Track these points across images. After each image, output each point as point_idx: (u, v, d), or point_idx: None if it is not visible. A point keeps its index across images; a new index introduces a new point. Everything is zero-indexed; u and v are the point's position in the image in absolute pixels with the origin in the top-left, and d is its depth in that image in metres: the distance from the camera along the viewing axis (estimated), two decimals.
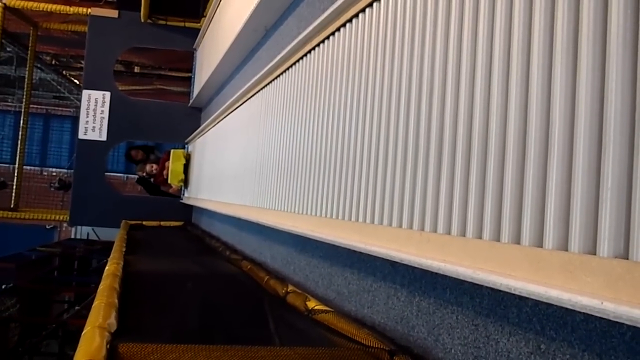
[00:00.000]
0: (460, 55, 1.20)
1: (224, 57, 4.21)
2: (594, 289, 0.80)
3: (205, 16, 5.77)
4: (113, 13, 6.22)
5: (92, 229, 10.99)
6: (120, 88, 7.08)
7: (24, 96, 6.73)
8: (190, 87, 6.90)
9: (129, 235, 4.51)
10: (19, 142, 6.62)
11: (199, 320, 1.87)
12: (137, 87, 9.67)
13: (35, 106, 12.19)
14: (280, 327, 1.73)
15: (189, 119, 6.38)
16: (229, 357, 1.26)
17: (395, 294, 1.51)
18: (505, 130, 1.04)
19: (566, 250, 0.88)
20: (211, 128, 4.72)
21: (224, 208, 3.71)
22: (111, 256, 2.99)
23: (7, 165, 12.62)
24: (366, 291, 1.69)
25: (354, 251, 1.66)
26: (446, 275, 1.14)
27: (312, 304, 1.87)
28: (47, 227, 13.04)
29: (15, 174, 6.48)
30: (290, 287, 2.18)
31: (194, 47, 6.39)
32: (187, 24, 6.30)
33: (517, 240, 0.98)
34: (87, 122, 6.08)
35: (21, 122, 6.62)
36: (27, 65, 6.79)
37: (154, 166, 6.52)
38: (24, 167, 6.72)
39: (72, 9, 6.02)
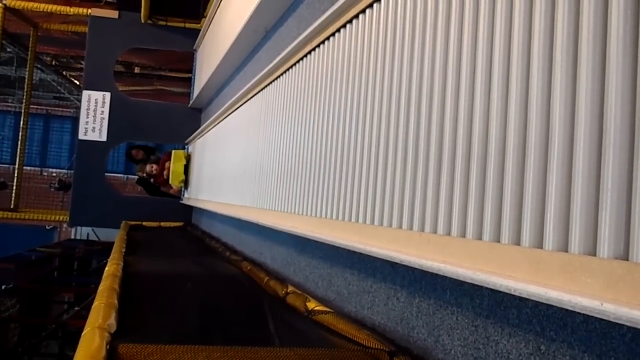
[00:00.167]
0: (460, 57, 1.20)
1: (224, 57, 4.21)
2: (594, 290, 0.80)
3: (205, 17, 5.77)
4: (113, 14, 6.22)
5: (92, 230, 10.99)
6: (120, 89, 7.09)
7: (24, 97, 6.73)
8: (190, 88, 6.90)
9: (128, 235, 4.51)
10: (19, 142, 6.62)
11: (199, 321, 1.87)
12: (137, 88, 9.68)
13: (36, 107, 12.19)
14: (280, 328, 1.73)
15: (189, 119, 6.38)
16: (229, 357, 1.26)
17: (395, 295, 1.51)
18: (505, 131, 1.04)
19: (566, 251, 0.88)
20: (211, 129, 4.72)
21: (224, 209, 3.71)
22: (111, 257, 2.99)
23: (7, 165, 12.61)
24: (366, 292, 1.69)
25: (354, 252, 1.66)
26: (446, 277, 1.14)
27: (312, 304, 1.87)
28: (47, 227, 13.04)
29: (15, 175, 6.48)
30: (290, 288, 2.18)
31: (194, 47, 6.39)
32: (187, 25, 6.30)
33: (517, 241, 0.98)
34: (87, 122, 6.08)
35: (21, 122, 6.62)
36: (28, 66, 6.79)
37: (154, 166, 6.52)
38: (24, 167, 6.72)
39: (73, 10, 6.02)
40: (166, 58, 8.15)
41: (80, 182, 6.10)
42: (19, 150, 6.60)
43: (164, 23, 6.29)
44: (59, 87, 11.25)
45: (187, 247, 4.44)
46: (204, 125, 5.21)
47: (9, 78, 9.91)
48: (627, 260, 0.78)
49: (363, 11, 1.70)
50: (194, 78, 6.57)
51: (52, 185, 10.31)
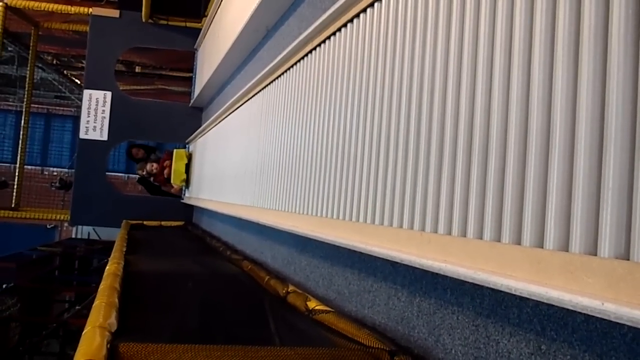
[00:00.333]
0: (461, 55, 1.19)
1: (225, 57, 4.21)
2: (595, 289, 0.80)
3: (206, 16, 5.77)
4: (114, 13, 6.22)
5: (93, 229, 10.99)
6: (121, 88, 7.09)
7: (25, 96, 6.74)
8: (191, 87, 6.90)
9: (129, 235, 4.51)
10: (20, 141, 6.63)
11: (200, 320, 1.87)
12: (138, 87, 9.68)
13: (37, 106, 12.20)
14: (281, 327, 1.73)
15: (189, 118, 6.38)
16: (229, 357, 1.26)
17: (396, 294, 1.51)
18: (506, 130, 1.04)
19: (567, 250, 0.88)
20: (212, 128, 4.72)
21: (224, 208, 3.71)
22: (112, 256, 2.99)
23: (8, 164, 12.64)
24: (367, 291, 1.69)
25: (355, 251, 1.66)
26: (447, 276, 1.14)
27: (312, 304, 1.87)
28: (48, 226, 13.05)
29: (16, 174, 6.49)
30: (291, 287, 2.18)
31: (195, 47, 6.40)
32: (188, 24, 6.30)
33: (518, 240, 0.98)
34: (88, 121, 6.09)
35: (22, 121, 6.63)
36: (29, 65, 6.80)
37: (154, 165, 6.52)
38: (25, 166, 6.73)
39: (74, 9, 6.02)
40: (167, 57, 8.15)
41: (81, 181, 6.10)
42: (20, 149, 6.61)
43: (165, 22, 6.30)
44: (60, 86, 11.26)
45: (188, 247, 4.44)
46: (204, 125, 5.21)
47: (10, 77, 9.93)
48: (628, 259, 0.78)
49: (364, 10, 1.70)
50: (195, 77, 6.57)
51: (53, 184, 10.31)
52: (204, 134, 5.21)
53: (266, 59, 3.30)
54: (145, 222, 5.85)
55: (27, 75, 6.82)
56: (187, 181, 6.03)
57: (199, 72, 6.28)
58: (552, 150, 0.93)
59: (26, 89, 6.75)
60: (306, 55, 2.21)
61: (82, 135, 6.11)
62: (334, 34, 1.93)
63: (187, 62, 6.97)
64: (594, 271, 0.81)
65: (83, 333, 1.36)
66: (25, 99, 6.72)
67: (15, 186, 6.43)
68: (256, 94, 3.07)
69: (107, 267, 2.50)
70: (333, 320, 1.63)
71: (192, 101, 6.45)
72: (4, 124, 13.57)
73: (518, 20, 1.03)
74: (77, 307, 6.41)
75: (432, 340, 1.33)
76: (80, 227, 11.87)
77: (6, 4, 5.96)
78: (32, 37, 6.66)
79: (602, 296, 0.78)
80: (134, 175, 6.95)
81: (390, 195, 1.44)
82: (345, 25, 1.83)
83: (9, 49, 7.78)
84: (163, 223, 6.05)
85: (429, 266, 1.16)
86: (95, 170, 6.13)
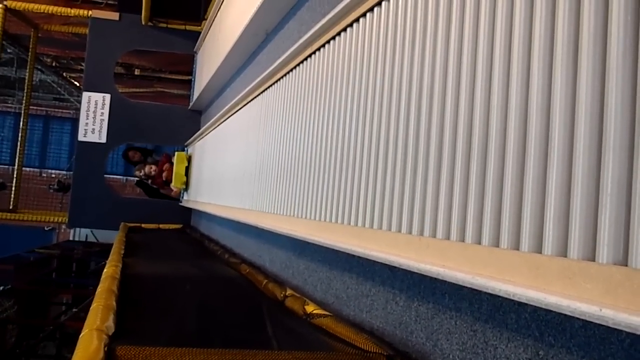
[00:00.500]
0: (460, 62, 1.20)
1: (224, 60, 4.21)
2: (593, 295, 0.80)
3: (206, 19, 5.78)
4: (114, 15, 6.22)
5: (91, 231, 11.00)
6: (120, 90, 7.09)
7: (24, 97, 6.73)
8: (190, 90, 6.90)
9: (127, 237, 4.50)
10: (19, 143, 6.62)
11: (197, 324, 1.86)
12: (137, 90, 9.68)
13: (35, 108, 12.18)
14: (279, 331, 1.72)
15: (188, 121, 6.38)
16: None
17: (394, 298, 1.51)
18: (504, 135, 1.04)
19: (565, 256, 0.88)
20: (211, 131, 4.72)
21: (223, 211, 3.71)
22: (110, 258, 2.98)
23: (6, 166, 12.61)
24: (365, 296, 1.68)
25: (353, 255, 1.66)
26: (445, 281, 1.13)
27: (310, 308, 1.87)
28: (46, 228, 13.03)
29: (15, 175, 6.48)
30: (289, 291, 2.18)
31: (194, 50, 6.40)
32: (188, 27, 6.31)
33: (517, 246, 0.98)
34: (86, 124, 6.08)
35: (21, 123, 6.62)
36: (28, 67, 6.79)
37: (153, 167, 6.51)
38: (23, 168, 6.72)
39: (73, 11, 6.02)
40: (166, 60, 8.16)
41: (79, 183, 6.10)
42: (18, 151, 6.60)
43: (164, 25, 6.30)
44: (59, 89, 11.25)
45: (186, 250, 4.44)
46: (203, 128, 5.21)
47: (9, 79, 9.92)
48: (626, 265, 0.78)
49: (364, 15, 1.70)
50: (194, 80, 6.57)
51: (51, 186, 10.29)
52: (203, 137, 5.20)
53: (265, 62, 3.31)
54: (143, 225, 5.84)
55: (26, 77, 6.81)
56: (187, 184, 6.02)
57: (198, 75, 6.29)
58: (550, 155, 0.93)
59: (25, 90, 6.74)
60: (305, 59, 2.21)
61: (80, 138, 6.10)
62: (333, 38, 1.93)
63: (187, 65, 6.97)
64: (592, 277, 0.81)
65: (80, 336, 1.35)
66: (24, 101, 6.72)
67: (13, 188, 6.42)
68: (255, 97, 3.07)
69: (105, 270, 2.49)
70: (331, 325, 1.63)
71: (191, 104, 6.45)
72: (3, 125, 13.55)
73: (517, 28, 1.03)
74: (75, 310, 6.40)
75: (430, 345, 1.32)
76: (78, 229, 11.87)
77: (6, 5, 5.96)
78: (31, 39, 6.66)
79: (600, 302, 0.78)
80: (133, 178, 6.93)
81: (389, 200, 1.44)
82: (344, 29, 1.84)
83: (8, 50, 7.78)
84: (161, 226, 6.04)
85: (427, 271, 1.16)
86: (94, 172, 6.12)
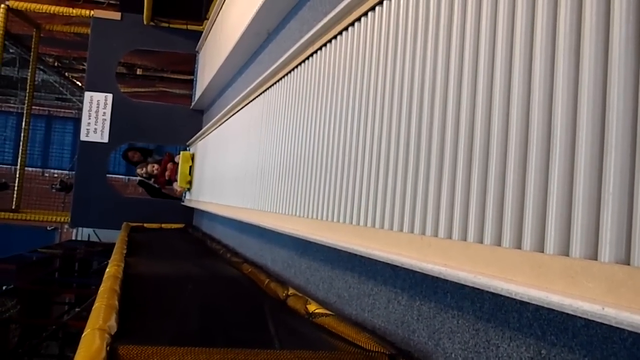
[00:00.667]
0: (462, 60, 1.20)
1: (226, 60, 4.21)
2: (595, 294, 0.80)
3: (207, 19, 5.78)
4: (116, 15, 6.23)
5: (93, 231, 11.00)
6: (122, 90, 7.09)
7: (27, 97, 6.74)
8: (192, 90, 6.91)
9: (129, 237, 4.51)
10: (21, 143, 6.63)
11: (200, 323, 1.87)
12: (139, 89, 9.69)
13: (38, 108, 12.21)
14: (281, 331, 1.72)
15: (190, 121, 6.39)
16: (229, 359, 1.26)
17: (396, 297, 1.51)
18: (506, 134, 1.04)
19: (567, 255, 0.88)
20: (213, 131, 4.72)
21: (225, 211, 3.71)
22: (112, 258, 2.99)
23: (8, 166, 12.63)
24: (367, 295, 1.68)
25: (355, 255, 1.66)
26: (447, 280, 1.13)
27: (312, 307, 1.87)
28: (48, 228, 13.05)
29: (17, 175, 6.49)
30: (291, 290, 2.18)
31: (196, 49, 6.40)
32: (190, 27, 6.31)
33: (519, 245, 0.98)
34: (89, 123, 6.09)
35: (23, 123, 6.63)
36: (30, 67, 6.80)
37: (155, 166, 6.51)
38: (26, 168, 6.73)
39: (75, 11, 6.03)
40: (168, 60, 8.17)
41: (81, 183, 6.11)
42: (20, 151, 6.61)
43: (166, 25, 6.31)
44: (61, 88, 11.27)
45: (188, 249, 4.44)
46: (205, 127, 5.21)
47: (12, 79, 9.93)
48: (629, 264, 0.78)
49: (365, 14, 1.70)
50: (196, 80, 6.58)
51: (53, 186, 10.31)
52: (205, 137, 5.21)
53: (267, 62, 3.31)
54: (145, 225, 5.85)
55: (29, 77, 6.82)
56: (190, 183, 6.01)
57: (200, 74, 6.29)
58: (552, 154, 0.93)
59: (27, 90, 6.76)
60: (307, 58, 2.21)
61: (82, 138, 6.11)
62: (335, 37, 1.93)
63: (188, 64, 6.98)
64: (594, 276, 0.81)
65: (83, 335, 1.35)
66: (26, 101, 6.73)
67: (15, 188, 6.43)
68: (257, 97, 3.07)
69: (107, 270, 2.50)
70: (333, 324, 1.63)
71: (193, 104, 6.46)
72: (5, 125, 13.57)
73: (519, 27, 1.03)
74: (77, 309, 6.40)
75: (432, 344, 1.32)
76: (80, 229, 11.88)
77: (8, 6, 5.97)
78: (33, 39, 6.67)
79: (603, 301, 0.77)
80: (135, 178, 6.93)
81: (391, 199, 1.44)
82: (346, 28, 1.83)
83: (11, 50, 7.79)
84: (163, 225, 6.05)
85: (430, 270, 1.16)
86: (96, 172, 6.13)
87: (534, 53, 0.99)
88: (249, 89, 3.17)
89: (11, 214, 6.21)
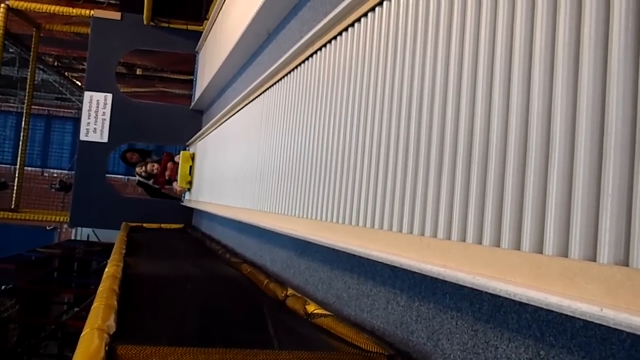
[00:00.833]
0: (462, 61, 1.20)
1: (226, 60, 4.21)
2: (594, 295, 0.80)
3: (207, 19, 5.78)
4: (116, 15, 6.23)
5: (92, 231, 11.00)
6: (122, 90, 7.10)
7: (26, 97, 6.74)
8: (192, 90, 6.91)
9: (129, 237, 4.50)
10: (20, 143, 6.63)
11: (198, 323, 1.87)
12: (139, 89, 9.69)
13: (37, 107, 12.21)
14: (280, 331, 1.72)
15: (190, 121, 6.39)
16: (228, 359, 1.26)
17: (395, 298, 1.51)
18: (506, 135, 1.04)
19: (566, 256, 0.88)
20: (212, 131, 4.72)
21: (224, 211, 3.71)
22: (111, 258, 2.99)
23: (8, 165, 12.63)
24: (366, 295, 1.68)
25: (354, 255, 1.66)
26: (446, 281, 1.13)
27: (311, 307, 1.87)
28: (48, 228, 13.04)
29: (16, 175, 6.49)
30: (290, 291, 2.18)
31: (196, 49, 6.40)
32: (190, 27, 6.31)
33: (517, 246, 0.98)
34: (88, 123, 6.09)
35: (23, 123, 6.63)
36: (30, 67, 6.80)
37: (155, 165, 6.50)
38: (25, 168, 6.73)
39: (75, 11, 6.03)
40: (168, 60, 8.17)
41: (81, 183, 6.11)
42: (20, 150, 6.61)
43: (166, 25, 6.31)
44: (60, 88, 11.26)
45: (187, 249, 4.44)
46: (205, 127, 5.21)
47: (11, 78, 9.93)
48: (627, 266, 0.78)
49: (365, 15, 1.70)
50: (196, 80, 6.58)
51: (52, 185, 10.31)
52: (204, 137, 5.21)
53: (267, 62, 3.31)
54: (144, 225, 5.85)
55: (28, 77, 6.82)
56: (191, 184, 6.00)
57: (199, 74, 6.29)
58: (551, 155, 0.93)
59: (27, 90, 6.76)
60: (307, 59, 2.21)
61: (82, 137, 6.11)
62: (335, 37, 1.93)
63: (188, 64, 6.98)
64: (593, 277, 0.81)
65: (81, 335, 1.35)
66: (26, 101, 6.73)
67: (15, 187, 6.43)
68: (257, 97, 3.07)
69: (106, 269, 2.50)
70: (332, 324, 1.63)
71: (192, 104, 6.46)
72: (5, 125, 13.57)
73: (518, 27, 1.03)
74: (76, 309, 6.40)
75: (430, 345, 1.32)
76: (79, 228, 11.88)
77: (8, 5, 5.97)
78: (33, 39, 6.67)
79: (601, 302, 0.78)
80: (134, 178, 6.92)
81: (390, 200, 1.44)
82: (346, 29, 1.84)
83: (11, 50, 7.79)
84: (163, 225, 6.04)
85: (428, 271, 1.16)
86: (95, 172, 6.13)
87: (534, 55, 0.99)
88: (248, 89, 3.18)
89: (10, 213, 6.20)
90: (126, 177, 13.20)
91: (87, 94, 6.15)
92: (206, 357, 1.25)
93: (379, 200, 1.50)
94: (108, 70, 6.26)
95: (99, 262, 7.58)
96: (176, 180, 6.07)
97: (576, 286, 0.83)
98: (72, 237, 12.27)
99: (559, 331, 0.95)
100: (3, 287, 5.93)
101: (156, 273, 3.05)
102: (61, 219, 6.33)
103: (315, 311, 1.81)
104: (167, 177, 6.32)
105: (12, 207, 6.33)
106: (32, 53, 6.75)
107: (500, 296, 0.97)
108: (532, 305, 0.93)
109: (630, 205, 0.80)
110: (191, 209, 6.06)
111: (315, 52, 2.12)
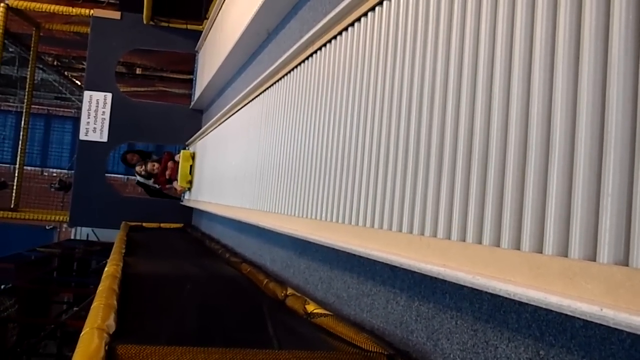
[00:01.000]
0: (461, 62, 1.20)
1: (225, 59, 4.21)
2: (594, 295, 0.80)
3: (207, 19, 5.78)
4: (115, 14, 6.23)
5: (92, 230, 11.00)
6: (121, 89, 7.09)
7: (26, 96, 6.74)
8: (191, 90, 6.90)
9: (128, 236, 4.50)
10: (20, 142, 6.63)
11: (198, 323, 1.87)
12: (139, 89, 9.69)
13: (37, 107, 12.20)
14: (279, 331, 1.72)
15: (190, 121, 6.39)
16: (228, 359, 1.26)
17: (395, 298, 1.51)
18: (506, 134, 1.04)
19: (566, 256, 0.88)
20: (212, 130, 4.72)
21: (224, 210, 3.71)
22: (110, 257, 2.99)
23: (7, 165, 12.62)
24: (365, 295, 1.68)
25: (354, 255, 1.66)
26: (446, 280, 1.13)
27: (311, 307, 1.87)
28: (47, 227, 13.04)
29: (16, 174, 6.49)
30: (290, 290, 2.18)
31: (195, 49, 6.40)
32: (190, 26, 6.31)
33: (517, 245, 0.98)
34: (88, 123, 6.09)
35: (22, 122, 6.64)
36: (29, 66, 6.81)
37: (156, 165, 6.50)
38: (25, 167, 6.73)
39: (75, 10, 6.03)
40: (168, 59, 8.17)
41: (80, 182, 6.10)
42: (19, 150, 6.61)
43: (166, 24, 6.31)
44: (60, 88, 11.26)
45: (187, 249, 4.44)
46: (205, 127, 5.21)
47: (11, 78, 9.92)
48: (627, 265, 0.78)
49: (365, 14, 1.70)
50: (196, 80, 6.58)
51: (52, 185, 10.31)
52: (204, 137, 5.21)
53: (267, 62, 3.31)
54: (144, 224, 5.85)
55: (28, 76, 6.82)
56: (192, 183, 5.99)
57: (199, 74, 6.29)
58: (551, 155, 0.93)
59: (27, 89, 6.76)
60: (307, 58, 2.21)
61: (82, 137, 6.11)
62: (334, 37, 1.93)
63: (188, 64, 6.98)
64: (593, 277, 0.81)
65: (81, 334, 1.35)
66: (25, 100, 6.73)
67: (14, 187, 6.43)
68: (256, 97, 3.07)
69: (106, 269, 2.50)
70: (331, 324, 1.63)
71: (192, 103, 6.46)
72: (4, 124, 13.56)
73: (518, 27, 1.03)
74: (76, 309, 6.40)
75: (430, 345, 1.32)
76: (79, 228, 11.87)
77: (7, 4, 5.96)
78: (33, 38, 6.67)
79: (601, 302, 0.78)
80: (134, 177, 6.92)
81: (390, 199, 1.44)
82: (346, 29, 1.83)
83: (10, 49, 7.78)
84: (162, 225, 6.04)
85: (428, 270, 1.16)
86: (95, 171, 6.13)
87: (534, 54, 0.99)
88: (248, 88, 3.17)
89: (10, 212, 6.20)
90: (126, 177, 13.19)
91: (87, 94, 6.15)
92: (206, 357, 1.25)
93: (379, 200, 1.50)
94: (108, 70, 6.26)
95: (99, 261, 7.58)
96: (176, 180, 6.07)
97: (576, 286, 0.83)
98: (72, 237, 12.26)
99: (559, 331, 0.95)
100: (2, 287, 5.93)
101: (156, 273, 3.05)
102: (61, 219, 6.33)
103: (315, 311, 1.81)
104: (167, 177, 6.31)
105: (12, 206, 6.33)
106: (31, 52, 6.75)
107: (500, 296, 0.97)
108: (532, 305, 0.93)
109: (630, 205, 0.80)
110: (191, 209, 6.06)
111: (315, 51, 2.11)
